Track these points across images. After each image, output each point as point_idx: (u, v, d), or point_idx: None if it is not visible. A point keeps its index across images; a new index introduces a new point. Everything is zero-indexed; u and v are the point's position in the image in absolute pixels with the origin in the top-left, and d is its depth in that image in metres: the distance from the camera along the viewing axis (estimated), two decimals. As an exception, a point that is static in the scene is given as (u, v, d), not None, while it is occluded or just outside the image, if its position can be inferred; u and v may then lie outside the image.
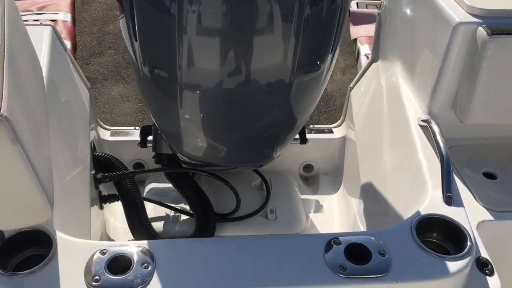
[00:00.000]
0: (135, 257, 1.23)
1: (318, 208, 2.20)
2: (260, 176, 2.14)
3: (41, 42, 1.90)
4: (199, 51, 1.30)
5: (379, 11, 2.10)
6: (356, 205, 1.96)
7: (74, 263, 1.22)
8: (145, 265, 1.22)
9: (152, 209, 2.07)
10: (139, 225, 1.88)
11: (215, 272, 1.22)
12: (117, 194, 1.99)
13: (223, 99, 1.43)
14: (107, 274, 1.19)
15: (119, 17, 1.45)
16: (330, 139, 2.27)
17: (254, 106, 1.46)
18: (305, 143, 2.06)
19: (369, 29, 2.52)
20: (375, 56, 2.12)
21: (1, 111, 0.99)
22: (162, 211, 2.07)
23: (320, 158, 2.30)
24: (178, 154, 1.79)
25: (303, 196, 2.20)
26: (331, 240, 1.28)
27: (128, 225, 1.90)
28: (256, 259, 1.26)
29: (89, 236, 1.71)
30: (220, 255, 1.27)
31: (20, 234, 1.25)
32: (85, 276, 1.19)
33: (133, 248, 1.25)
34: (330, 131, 2.31)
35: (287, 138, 1.67)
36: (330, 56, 1.41)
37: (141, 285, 1.18)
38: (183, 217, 2.07)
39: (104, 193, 2.06)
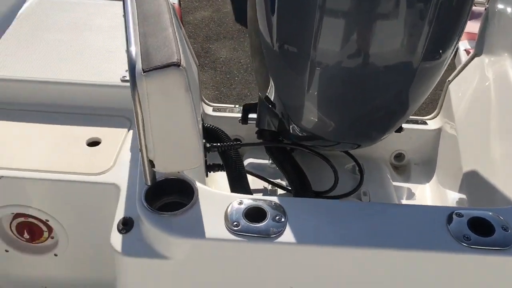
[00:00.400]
0: (269, 210, 1.33)
1: (410, 195, 2.24)
2: (353, 159, 2.21)
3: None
4: (336, 31, 1.38)
5: (487, 6, 2.13)
6: (455, 195, 1.99)
7: (214, 210, 1.33)
8: (278, 217, 1.31)
9: (250, 182, 2.17)
10: (243, 193, 1.99)
11: (342, 228, 1.30)
12: (222, 164, 2.11)
13: (348, 77, 1.51)
14: (245, 221, 1.30)
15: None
16: (424, 130, 2.31)
17: (375, 87, 1.54)
18: (400, 132, 2.11)
19: (469, 26, 2.54)
20: (479, 50, 2.14)
21: (181, 62, 1.12)
22: (260, 185, 2.17)
23: (412, 149, 2.34)
24: (285, 130, 1.89)
25: (394, 183, 2.25)
26: (453, 213, 1.34)
27: (231, 192, 2.01)
28: (378, 222, 1.33)
29: None
30: (345, 215, 1.35)
31: (167, 181, 1.38)
32: (225, 222, 1.30)
33: (266, 202, 1.35)
34: (424, 123, 2.34)
35: (396, 123, 1.74)
36: (454, 45, 1.47)
37: (276, 234, 1.27)
38: (280, 191, 2.16)
39: (209, 162, 2.18)
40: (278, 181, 2.21)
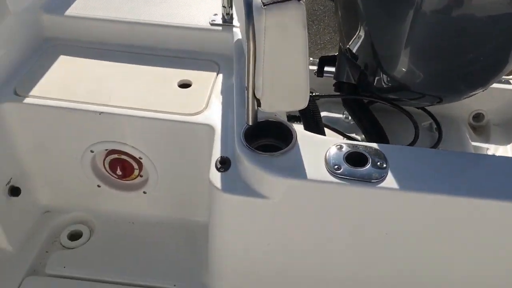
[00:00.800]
0: (370, 156, 1.32)
1: (491, 156, 2.19)
2: (431, 116, 2.16)
3: None
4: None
5: None
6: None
7: (313, 153, 1.33)
8: (379, 163, 1.31)
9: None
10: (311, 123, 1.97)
11: (445, 177, 1.29)
12: (298, 115, 2.10)
13: (450, 26, 1.46)
14: (346, 165, 1.29)
15: None
16: (507, 90, 2.23)
17: (476, 38, 1.48)
18: (483, 90, 2.05)
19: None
20: None
21: None
22: (335, 137, 2.16)
23: (493, 109, 2.27)
24: (366, 81, 1.85)
25: (473, 143, 2.20)
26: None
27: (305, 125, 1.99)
28: (482, 172, 1.31)
29: None
30: (447, 163, 1.33)
31: (267, 123, 1.38)
32: (325, 165, 1.30)
33: (366, 148, 1.35)
34: (508, 82, 2.26)
35: (488, 81, 1.68)
36: None
37: (378, 179, 1.27)
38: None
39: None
40: (353, 135, 2.19)
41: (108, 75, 1.68)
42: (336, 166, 1.30)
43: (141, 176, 1.72)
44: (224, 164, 1.39)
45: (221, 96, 1.64)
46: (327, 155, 1.33)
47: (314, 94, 2.10)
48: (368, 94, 2.00)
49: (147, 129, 1.57)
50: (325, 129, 2.17)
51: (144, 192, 1.74)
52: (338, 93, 2.11)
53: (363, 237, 1.39)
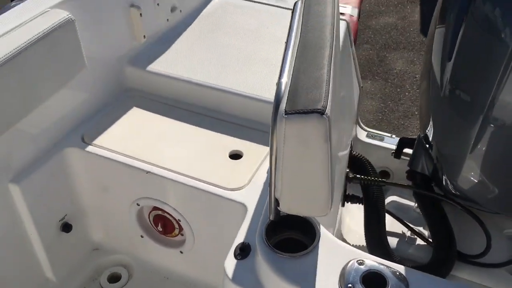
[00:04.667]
0: (390, 280, 1.20)
1: None
2: (481, 225, 1.91)
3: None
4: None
5: None
6: None
7: (331, 262, 1.25)
8: (399, 291, 1.19)
9: (389, 222, 2.02)
10: (376, 237, 1.86)
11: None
12: (361, 197, 2.00)
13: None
14: (361, 286, 1.19)
15: (437, 26, 1.40)
16: None
17: None
18: None
19: None
20: None
21: (325, 109, 1.05)
22: (399, 228, 2.01)
23: None
24: (438, 179, 1.70)
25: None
26: None
27: (365, 232, 1.89)
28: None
29: (334, 230, 1.76)
30: None
31: (291, 216, 1.33)
32: (339, 279, 1.21)
33: (390, 269, 1.23)
34: None
35: None
36: None
37: None
38: (420, 241, 1.98)
39: (349, 191, 2.09)
40: (420, 229, 2.02)
41: (167, 133, 1.75)
42: (350, 285, 1.20)
43: (181, 235, 1.76)
44: (243, 251, 1.37)
45: (266, 175, 1.62)
46: (345, 268, 1.24)
47: (381, 180, 1.98)
48: (440, 193, 1.85)
49: (188, 195, 1.60)
50: (389, 216, 2.04)
51: (181, 252, 1.77)
52: (409, 183, 1.97)
53: None
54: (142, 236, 1.81)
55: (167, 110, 1.84)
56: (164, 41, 2.03)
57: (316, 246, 1.29)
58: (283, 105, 1.09)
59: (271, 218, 1.32)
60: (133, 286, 1.84)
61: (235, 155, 1.69)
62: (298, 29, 1.36)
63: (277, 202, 1.24)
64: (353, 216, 2.14)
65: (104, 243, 1.93)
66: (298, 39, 1.32)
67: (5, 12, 1.60)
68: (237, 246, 1.37)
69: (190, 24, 2.14)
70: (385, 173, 2.31)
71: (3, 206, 1.57)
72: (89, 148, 1.69)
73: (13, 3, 1.65)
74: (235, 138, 1.74)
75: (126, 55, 1.92)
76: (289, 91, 1.13)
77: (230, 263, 1.33)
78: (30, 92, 1.48)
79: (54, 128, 1.69)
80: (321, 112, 1.05)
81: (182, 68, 1.91)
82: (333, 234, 1.92)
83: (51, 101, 1.59)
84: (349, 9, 2.71)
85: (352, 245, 2.10)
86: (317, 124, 1.05)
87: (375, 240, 1.87)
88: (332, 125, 1.15)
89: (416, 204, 2.09)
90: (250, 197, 1.52)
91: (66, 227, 1.78)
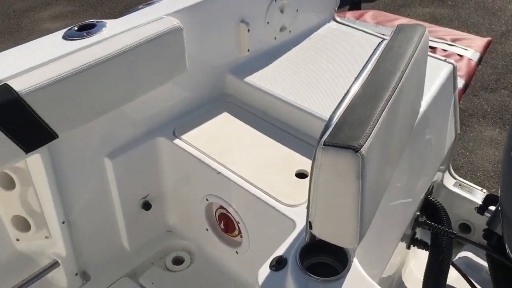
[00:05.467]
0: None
1: None
2: None
3: (436, 76, 1.96)
4: None
5: None
6: None
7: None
8: None
9: (454, 277, 1.94)
10: (432, 287, 1.81)
11: None
12: (429, 244, 1.94)
13: None
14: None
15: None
16: None
17: None
18: None
19: None
20: None
21: (362, 148, 1.09)
22: (463, 285, 1.92)
23: None
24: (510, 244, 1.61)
25: None
26: None
27: (423, 279, 1.85)
28: None
29: (383, 268, 1.75)
30: None
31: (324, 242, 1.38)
32: None
33: None
34: None
35: None
36: None
37: None
38: (482, 305, 1.87)
39: (418, 236, 2.04)
40: (487, 292, 1.91)
41: (246, 141, 1.88)
42: (362, 321, 1.22)
43: (240, 236, 1.89)
44: (279, 264, 1.45)
45: None
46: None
47: (451, 232, 1.91)
48: None
49: (248, 201, 1.72)
50: (455, 271, 1.96)
51: (237, 252, 1.90)
52: (476, 242, 1.88)
53: None
54: (207, 230, 1.98)
55: (253, 120, 1.98)
56: (267, 57, 2.17)
57: (344, 276, 1.32)
58: (325, 136, 1.16)
59: (306, 239, 1.39)
60: (192, 272, 2.01)
61: (301, 174, 1.77)
62: (372, 67, 1.40)
63: (310, 225, 1.31)
64: (418, 261, 2.08)
65: (176, 227, 2.14)
66: (367, 76, 1.36)
67: (133, 12, 1.88)
68: (274, 258, 1.45)
69: (296, 45, 2.26)
70: (466, 227, 2.20)
71: (97, 176, 1.84)
72: (177, 141, 1.89)
73: (140, 6, 1.92)
74: (306, 159, 1.81)
75: (228, 64, 2.10)
76: (336, 124, 1.20)
77: (264, 272, 1.42)
78: (135, 82, 1.71)
79: (151, 118, 1.93)
80: (356, 150, 1.10)
81: (276, 84, 2.03)
82: (392, 273, 1.91)
83: (152, 94, 1.82)
84: (469, 52, 2.62)
85: (409, 290, 2.06)
86: (350, 160, 1.11)
87: None
88: (373, 164, 1.19)
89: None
90: (302, 216, 1.59)
91: (146, 206, 2.01)
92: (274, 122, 1.98)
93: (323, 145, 1.14)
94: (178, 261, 2.07)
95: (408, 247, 2.03)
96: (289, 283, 1.36)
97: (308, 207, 1.29)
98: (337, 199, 1.19)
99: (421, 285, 1.85)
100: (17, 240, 1.83)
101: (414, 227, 1.97)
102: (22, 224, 1.81)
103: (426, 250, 1.97)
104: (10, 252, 1.84)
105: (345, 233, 1.25)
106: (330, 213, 1.23)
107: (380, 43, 1.53)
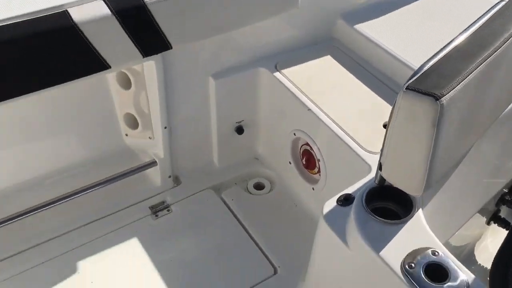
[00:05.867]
0: (453, 278, 1.23)
1: None
2: None
3: None
4: None
5: None
6: None
7: (409, 240, 1.32)
8: (453, 292, 1.21)
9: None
10: (502, 267, 1.77)
11: None
12: (510, 224, 1.89)
13: None
14: (421, 270, 1.26)
15: None
16: None
17: None
18: None
19: None
20: None
21: (442, 97, 1.11)
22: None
23: None
24: None
25: None
26: None
27: (493, 260, 1.81)
28: None
29: (451, 234, 1.75)
30: None
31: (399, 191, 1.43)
32: (406, 256, 1.29)
33: (460, 271, 1.25)
34: None
35: None
36: None
37: None
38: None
39: (503, 214, 1.98)
40: None
41: (342, 86, 1.94)
42: (411, 264, 1.28)
43: (319, 174, 1.98)
44: (346, 200, 1.53)
45: None
46: (416, 251, 1.31)
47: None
48: None
49: (331, 141, 1.80)
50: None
51: (313, 189, 2.00)
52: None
53: None
54: (290, 163, 2.09)
55: (354, 67, 2.02)
56: (382, 8, 2.16)
57: (405, 223, 1.37)
58: (411, 80, 1.19)
59: (375, 182, 1.45)
60: (269, 199, 2.16)
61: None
62: (480, 24, 1.37)
63: (380, 167, 1.36)
64: (497, 240, 2.03)
65: (262, 156, 2.29)
66: (472, 33, 1.34)
67: None
68: (342, 195, 1.53)
69: (413, 2, 2.21)
70: None
71: (200, 92, 2.02)
72: (277, 75, 2.00)
73: None
74: None
75: (341, 9, 2.13)
76: (424, 71, 1.21)
77: (330, 205, 1.51)
78: (249, 9, 1.80)
79: (257, 48, 2.04)
80: (436, 98, 1.12)
81: (384, 36, 2.03)
82: (446, 237, 1.89)
83: (261, 24, 1.92)
84: None
85: (479, 265, 2.03)
86: (429, 106, 1.13)
87: (499, 270, 1.78)
88: (454, 118, 1.20)
89: None
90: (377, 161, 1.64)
91: (239, 130, 2.17)
92: (375, 73, 2.00)
93: (405, 88, 1.17)
94: (259, 186, 2.22)
95: (488, 223, 1.98)
96: (350, 219, 1.43)
97: (382, 149, 1.34)
98: (409, 144, 1.23)
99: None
100: (126, 135, 2.10)
101: (498, 204, 1.92)
102: (132, 122, 2.06)
103: (506, 229, 1.92)
104: (118, 145, 2.11)
105: (412, 179, 1.28)
106: (401, 157, 1.27)
107: (498, 3, 1.47)
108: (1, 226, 1.88)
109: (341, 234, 1.44)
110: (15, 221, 1.91)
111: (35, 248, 1.93)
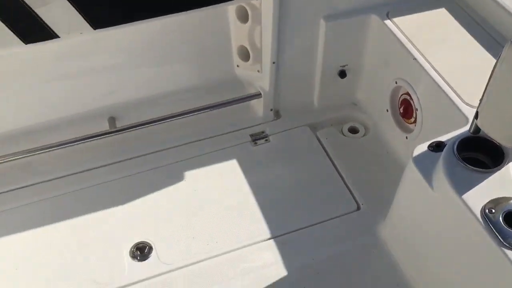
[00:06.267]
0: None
1: None
2: None
3: None
4: None
5: None
6: None
7: (495, 190, 1.38)
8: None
9: None
10: None
11: None
12: None
13: None
14: (501, 216, 1.32)
15: None
16: None
17: None
18: None
19: None
20: None
21: None
22: None
23: None
24: None
25: None
26: None
27: None
28: None
29: None
30: None
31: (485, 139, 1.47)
32: (488, 202, 1.35)
33: None
34: None
35: None
36: None
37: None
38: None
39: None
40: None
41: (453, 42, 1.95)
42: (491, 210, 1.34)
43: (414, 124, 2.04)
44: (437, 147, 1.59)
45: None
46: (500, 199, 1.36)
47: None
48: None
49: (433, 93, 1.84)
50: None
51: (406, 138, 2.07)
52: None
53: None
54: (387, 110, 2.16)
55: (469, 24, 2.00)
56: None
57: (493, 172, 1.43)
58: None
59: (469, 131, 1.50)
60: (361, 142, 2.27)
61: None
62: None
63: (477, 115, 1.41)
64: None
65: (361, 102, 2.37)
66: None
67: None
68: (435, 141, 1.60)
69: None
70: None
71: (310, 32, 2.12)
72: (388, 23, 2.05)
73: None
74: None
75: None
76: None
77: (421, 149, 1.59)
78: None
79: None
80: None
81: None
82: None
83: None
84: None
85: None
86: None
87: None
88: None
89: None
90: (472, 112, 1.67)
91: (342, 74, 2.26)
92: (490, 31, 1.98)
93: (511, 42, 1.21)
94: (353, 130, 2.33)
95: None
96: (439, 163, 1.51)
97: (481, 98, 1.38)
98: (509, 94, 1.27)
99: None
100: (237, 66, 2.28)
101: None
102: (244, 55, 2.23)
103: None
104: (229, 74, 2.31)
105: (507, 129, 1.33)
106: (499, 106, 1.32)
107: None
108: (123, 133, 2.17)
109: (428, 176, 1.53)
110: (143, 127, 2.18)
111: (151, 155, 2.21)
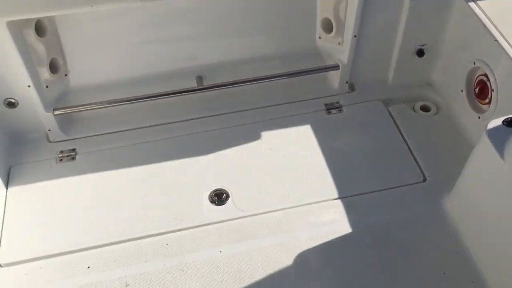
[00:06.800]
0: None
1: None
2: None
3: None
4: None
5: None
6: None
7: None
8: None
9: None
10: None
11: None
12: None
13: None
14: None
15: None
16: None
17: None
18: None
19: None
20: None
21: None
22: None
23: None
24: None
25: None
26: None
27: None
28: None
29: None
30: None
31: None
32: None
33: None
34: None
35: None
36: None
37: None
38: None
39: None
40: None
41: None
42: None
43: (488, 105, 2.09)
44: (511, 122, 1.67)
45: None
46: None
47: None
48: None
49: (510, 72, 1.90)
50: None
51: (479, 118, 2.13)
52: None
53: None
54: (462, 91, 2.23)
55: None
56: None
57: None
58: None
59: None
60: (433, 120, 2.35)
61: None
62: None
63: None
64: None
65: (436, 83, 2.45)
66: None
67: None
68: (510, 116, 1.67)
69: None
70: None
71: (394, 10, 2.21)
72: (471, 4, 2.12)
73: None
74: None
75: None
76: None
77: (495, 123, 1.67)
78: None
79: None
80: None
81: None
82: None
83: None
84: None
85: None
86: None
87: None
88: None
89: None
90: None
91: (420, 53, 2.34)
92: None
93: None
94: (425, 108, 2.41)
95: None
96: (511, 140, 1.58)
97: None
98: None
99: None
100: (319, 38, 2.40)
101: None
102: (327, 27, 2.35)
103: None
104: (310, 45, 2.44)
105: None
106: None
107: None
108: (209, 91, 2.36)
109: (500, 149, 1.61)
110: (228, 87, 2.37)
111: (233, 114, 2.39)
